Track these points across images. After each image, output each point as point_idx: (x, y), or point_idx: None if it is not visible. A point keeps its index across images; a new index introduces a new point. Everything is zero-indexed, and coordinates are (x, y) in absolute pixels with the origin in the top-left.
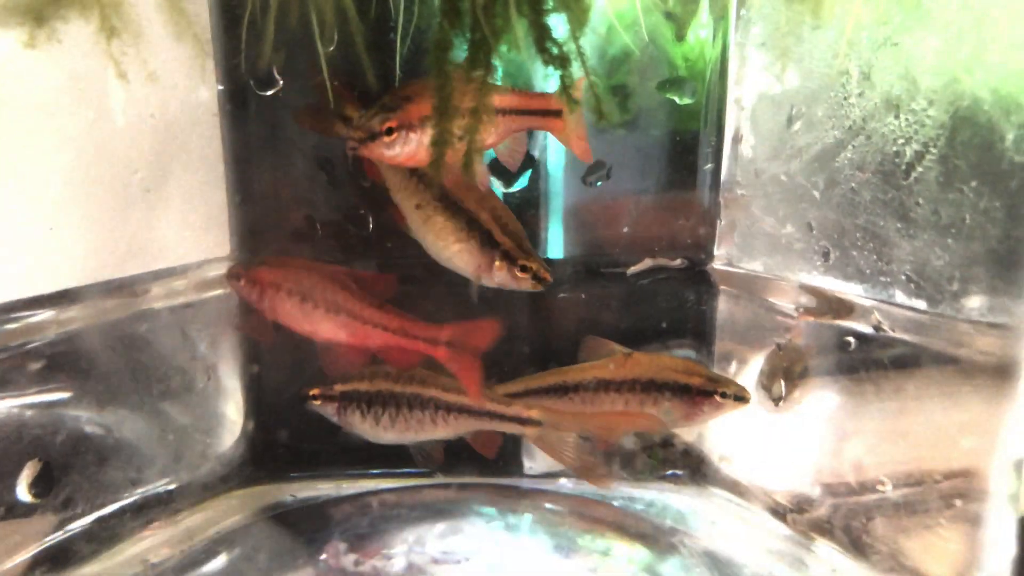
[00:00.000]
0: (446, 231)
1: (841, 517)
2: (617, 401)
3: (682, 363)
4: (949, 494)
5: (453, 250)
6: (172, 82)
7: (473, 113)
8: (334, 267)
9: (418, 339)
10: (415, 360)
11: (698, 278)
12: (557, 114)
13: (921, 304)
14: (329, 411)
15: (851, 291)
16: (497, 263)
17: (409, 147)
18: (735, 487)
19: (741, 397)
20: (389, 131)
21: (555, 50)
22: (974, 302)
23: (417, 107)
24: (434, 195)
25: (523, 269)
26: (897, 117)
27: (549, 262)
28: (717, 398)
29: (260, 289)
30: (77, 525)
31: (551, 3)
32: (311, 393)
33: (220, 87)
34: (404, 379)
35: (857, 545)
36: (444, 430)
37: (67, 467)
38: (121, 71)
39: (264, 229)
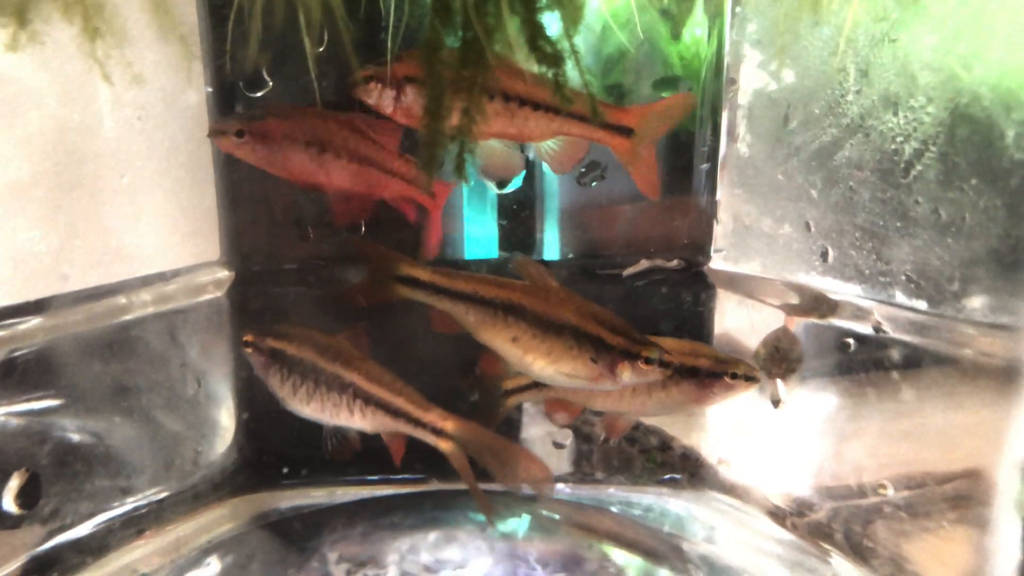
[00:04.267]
0: (554, 353)
1: (842, 521)
2: (625, 387)
3: (689, 345)
4: (952, 497)
5: (567, 369)
6: (159, 84)
7: (465, 112)
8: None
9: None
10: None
11: (695, 279)
12: (627, 132)
13: (922, 305)
14: (257, 364)
15: (850, 292)
16: (619, 366)
17: (385, 101)
18: (734, 491)
19: (752, 377)
20: (366, 80)
21: (548, 49)
22: (975, 302)
23: (404, 66)
24: (528, 322)
25: (647, 361)
26: (895, 114)
27: (544, 263)
28: (727, 379)
29: (271, 143)
30: (66, 536)
31: (544, 1)
32: (245, 339)
33: (208, 89)
34: (331, 354)
35: (858, 549)
36: (360, 421)
37: (55, 477)
38: (106, 73)
39: (254, 232)
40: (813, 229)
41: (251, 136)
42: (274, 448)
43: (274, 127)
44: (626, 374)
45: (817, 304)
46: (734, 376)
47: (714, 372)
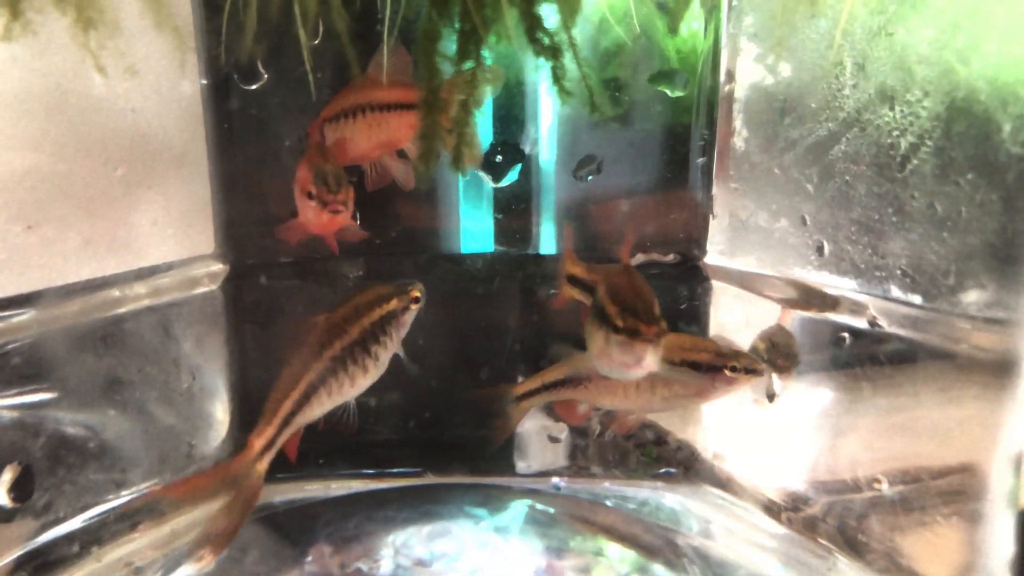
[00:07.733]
0: (591, 333)
1: (836, 515)
2: (629, 384)
3: (689, 339)
4: (946, 492)
5: (595, 350)
6: (153, 76)
7: (462, 105)
8: None
9: None
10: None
11: (691, 273)
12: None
13: (917, 299)
14: None
15: (846, 286)
16: (608, 338)
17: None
18: (729, 485)
19: (753, 370)
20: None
21: (546, 40)
22: (971, 297)
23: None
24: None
25: (616, 330)
26: (892, 108)
27: (539, 258)
28: (727, 372)
29: None
30: (59, 529)
31: None
32: None
33: (203, 81)
34: None
35: (852, 543)
36: None
37: (48, 470)
38: (99, 65)
39: (249, 225)
40: (809, 223)
41: None
42: None
43: None
44: (615, 351)
45: (815, 299)
46: (734, 369)
47: (714, 366)
